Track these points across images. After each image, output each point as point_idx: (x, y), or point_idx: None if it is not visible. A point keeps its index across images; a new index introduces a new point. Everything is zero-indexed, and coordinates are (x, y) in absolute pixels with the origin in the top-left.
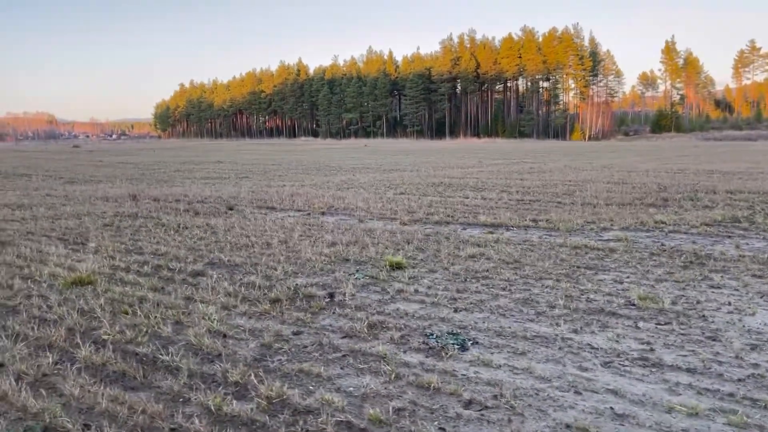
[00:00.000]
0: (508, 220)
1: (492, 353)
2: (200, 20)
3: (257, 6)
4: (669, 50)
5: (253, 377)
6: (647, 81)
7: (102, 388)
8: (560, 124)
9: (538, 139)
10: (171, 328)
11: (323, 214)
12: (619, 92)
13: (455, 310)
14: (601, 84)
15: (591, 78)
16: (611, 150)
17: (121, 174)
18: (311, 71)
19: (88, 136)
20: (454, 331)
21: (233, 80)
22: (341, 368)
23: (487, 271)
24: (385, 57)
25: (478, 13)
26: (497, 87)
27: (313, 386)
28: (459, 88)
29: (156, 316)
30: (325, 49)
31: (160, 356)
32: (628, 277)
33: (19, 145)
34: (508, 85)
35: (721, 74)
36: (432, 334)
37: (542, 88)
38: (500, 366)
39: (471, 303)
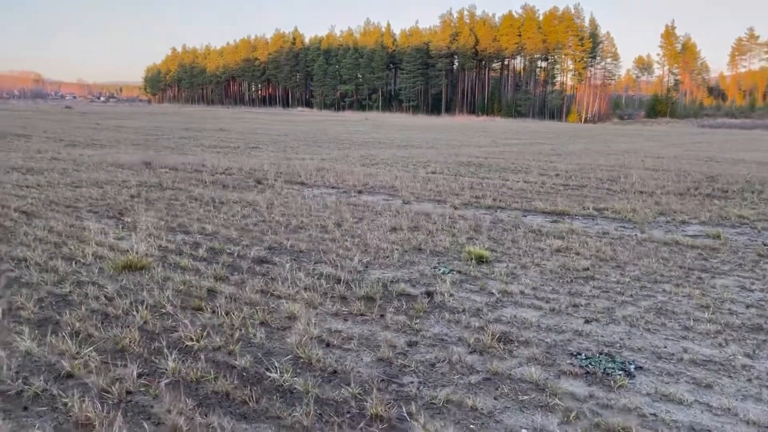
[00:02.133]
0: (568, 207)
1: (667, 383)
2: None
3: None
4: (669, 35)
5: (397, 409)
6: (643, 65)
7: (209, 416)
8: (557, 105)
9: (535, 120)
10: (262, 333)
11: (360, 192)
12: (615, 75)
13: (586, 321)
14: (599, 66)
15: (589, 60)
16: (617, 134)
17: (123, 138)
18: (307, 41)
19: (75, 97)
20: (604, 351)
21: (227, 47)
22: (494, 399)
23: (587, 269)
24: (383, 29)
25: None
26: (495, 65)
27: (475, 425)
28: (456, 64)
29: (238, 316)
30: (321, 19)
31: (266, 373)
32: (753, 284)
33: (6, 103)
34: (506, 63)
35: (714, 62)
36: (579, 354)
37: (540, 67)
38: (690, 404)
39: (597, 311)
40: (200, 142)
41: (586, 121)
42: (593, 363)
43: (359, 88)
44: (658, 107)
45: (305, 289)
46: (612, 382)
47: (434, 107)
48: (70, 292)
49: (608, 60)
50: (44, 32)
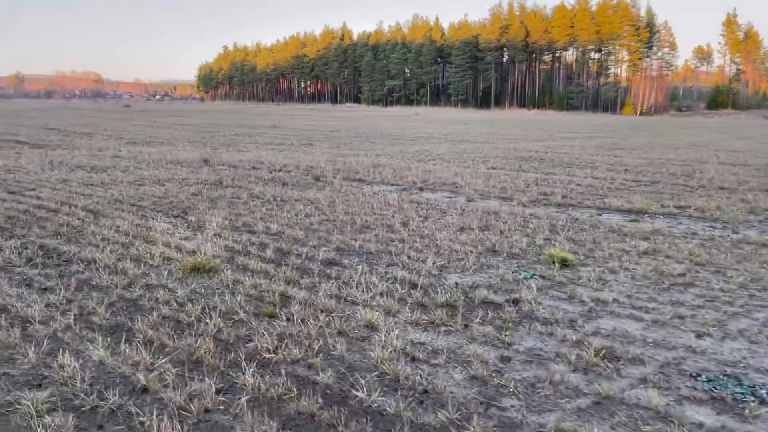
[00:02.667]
0: (645, 205)
1: None
2: None
3: None
4: (730, 23)
5: None
6: (702, 55)
7: None
8: (611, 98)
9: (588, 112)
10: (341, 344)
11: (421, 189)
12: (673, 66)
13: (697, 336)
14: (656, 57)
15: (645, 50)
16: (679, 126)
17: (180, 136)
18: (355, 36)
19: (132, 96)
20: (726, 371)
21: (277, 44)
22: (612, 428)
23: (684, 275)
24: (431, 23)
25: None
26: (545, 57)
27: None
28: (506, 57)
29: (314, 324)
30: (369, 14)
31: (352, 391)
32: None
33: (69, 103)
34: (557, 55)
35: None
36: (699, 375)
37: (593, 59)
38: None
39: (707, 324)
40: (255, 138)
41: (641, 113)
42: (718, 386)
43: (407, 83)
44: (720, 98)
45: (380, 294)
46: (745, 410)
47: (483, 101)
48: (140, 296)
49: (665, 50)
50: (103, 34)
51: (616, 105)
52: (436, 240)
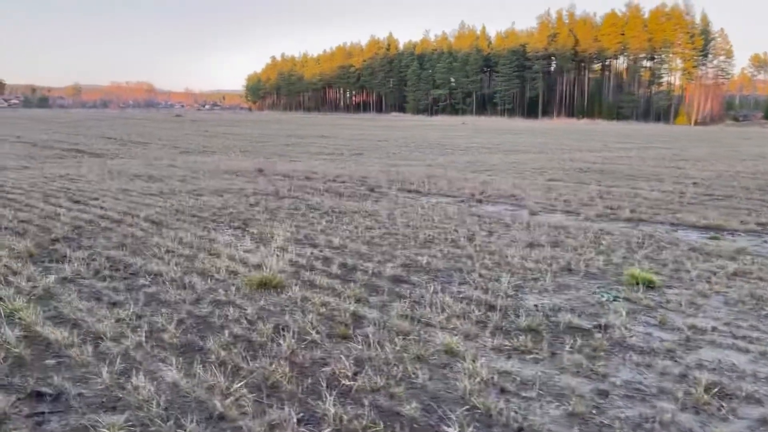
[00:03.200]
0: (723, 222)
1: None
2: None
3: None
4: None
5: None
6: (759, 63)
7: None
8: (663, 107)
9: (639, 122)
10: (423, 372)
11: (480, 202)
12: (729, 74)
13: None
14: (712, 65)
15: (700, 58)
16: (740, 137)
17: (231, 145)
18: (401, 46)
19: (182, 106)
20: None
21: (323, 54)
22: None
23: None
24: (478, 32)
25: None
26: (594, 65)
27: None
28: (554, 65)
29: (391, 348)
30: (416, 24)
31: (442, 426)
32: None
33: (124, 112)
34: (607, 63)
35: None
36: None
37: (645, 67)
38: None
39: None
40: (305, 148)
41: (696, 123)
42: None
43: (453, 92)
44: None
45: (456, 316)
46: None
47: (530, 110)
48: (210, 313)
49: (721, 58)
50: (155, 45)
51: (669, 114)
52: (506, 257)
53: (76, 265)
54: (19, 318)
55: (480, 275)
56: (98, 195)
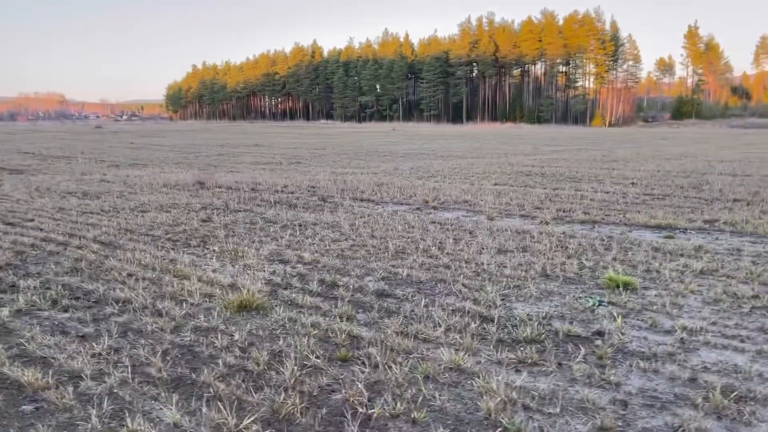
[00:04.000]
0: (672, 221)
1: None
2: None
3: None
4: (692, 35)
5: None
6: (664, 67)
7: None
8: (580, 110)
9: (558, 125)
10: (440, 392)
11: (435, 208)
12: (638, 78)
13: None
14: (622, 69)
15: (612, 63)
16: (656, 137)
17: (163, 157)
18: (326, 53)
19: (98, 117)
20: None
21: (247, 62)
22: None
23: (757, 297)
24: (402, 40)
25: None
26: (515, 71)
27: None
28: (476, 71)
29: (399, 369)
30: (340, 30)
31: None
32: None
33: (36, 125)
34: (526, 69)
35: (736, 61)
36: None
37: (561, 72)
38: None
39: None
40: (240, 158)
41: (611, 124)
42: None
43: (379, 99)
44: (684, 109)
45: (452, 330)
46: None
47: (455, 115)
48: (194, 341)
49: (630, 62)
50: (66, 54)
51: (585, 117)
52: (482, 264)
53: (29, 294)
54: None
55: (464, 285)
56: (33, 215)
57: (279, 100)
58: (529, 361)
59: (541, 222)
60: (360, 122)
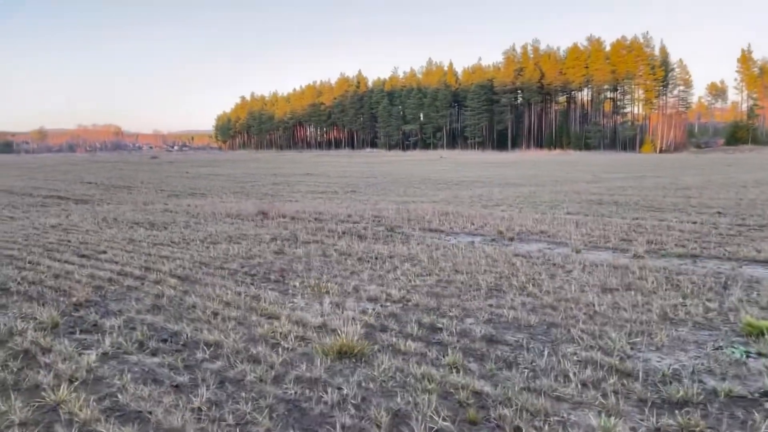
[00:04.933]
0: None
1: None
2: (258, 33)
3: (315, 19)
4: (745, 59)
5: None
6: (716, 91)
7: None
8: (629, 136)
9: (606, 151)
10: None
11: (512, 240)
12: (689, 103)
13: None
14: (672, 94)
15: (661, 88)
16: (718, 163)
17: (219, 186)
18: (370, 83)
19: (151, 147)
20: None
21: (293, 93)
22: None
23: None
24: (446, 68)
25: (538, 26)
26: (560, 98)
27: None
28: (521, 98)
29: None
30: (384, 61)
31: None
32: None
33: (95, 156)
34: (572, 95)
35: None
36: None
37: (609, 98)
38: None
39: None
40: (295, 188)
41: (661, 150)
42: None
43: (423, 127)
44: (738, 134)
45: (587, 386)
46: None
47: (500, 143)
48: (299, 395)
49: (681, 87)
50: (122, 87)
51: (635, 143)
52: (593, 306)
53: (114, 336)
54: (70, 413)
55: (582, 330)
56: (104, 247)
57: (324, 129)
58: (697, 430)
59: (634, 255)
60: (405, 150)
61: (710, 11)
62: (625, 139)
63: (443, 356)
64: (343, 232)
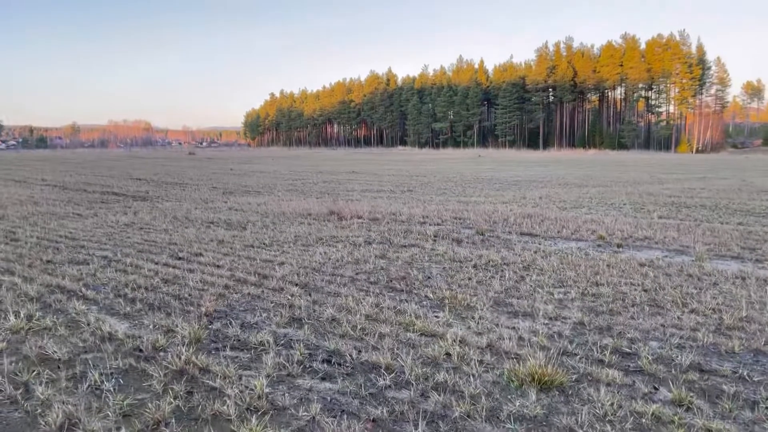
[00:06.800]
0: None
1: None
2: (288, 31)
3: (346, 16)
4: None
5: None
6: (752, 91)
7: None
8: (664, 136)
9: (641, 151)
10: None
11: (620, 246)
12: (726, 102)
13: None
14: (709, 93)
15: (698, 87)
16: (763, 164)
17: (269, 184)
18: (400, 81)
19: (180, 143)
20: None
21: (323, 90)
22: None
23: None
24: (476, 66)
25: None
26: (592, 96)
27: None
28: (553, 97)
29: None
30: (414, 58)
31: None
32: None
33: (131, 151)
34: (605, 94)
35: None
36: None
37: (644, 97)
38: None
39: None
40: (347, 186)
41: (698, 150)
42: None
43: (453, 125)
44: None
45: None
46: None
47: (531, 141)
48: None
49: (718, 86)
50: (152, 84)
51: (670, 143)
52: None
53: (272, 355)
54: None
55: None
56: (197, 249)
57: (354, 126)
58: None
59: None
60: (436, 148)
61: (745, 8)
62: (660, 138)
63: (654, 392)
64: (435, 235)
